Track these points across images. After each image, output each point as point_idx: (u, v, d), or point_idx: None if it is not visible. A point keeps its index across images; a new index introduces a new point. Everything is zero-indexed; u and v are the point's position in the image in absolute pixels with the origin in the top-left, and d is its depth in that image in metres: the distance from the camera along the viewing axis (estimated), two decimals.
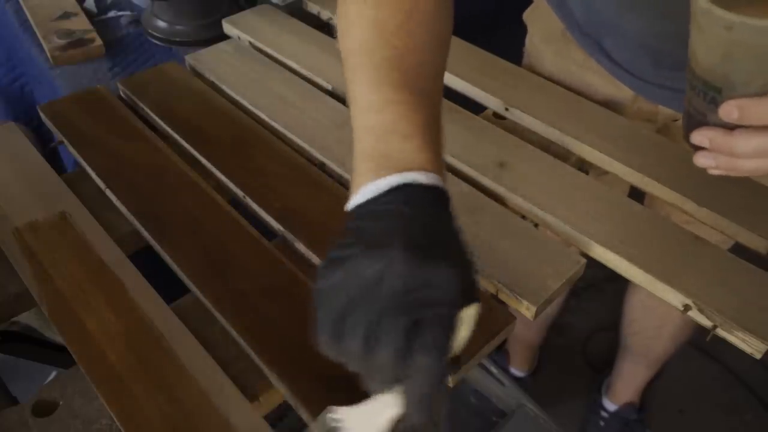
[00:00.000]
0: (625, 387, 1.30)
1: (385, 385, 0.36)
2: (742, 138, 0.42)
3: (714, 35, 0.42)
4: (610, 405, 1.33)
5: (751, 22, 0.40)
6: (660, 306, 1.06)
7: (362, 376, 0.37)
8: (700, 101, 0.45)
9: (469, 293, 0.35)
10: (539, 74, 0.81)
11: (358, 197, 0.40)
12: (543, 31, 0.81)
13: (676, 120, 0.77)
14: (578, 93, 0.76)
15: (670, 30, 0.48)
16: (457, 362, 0.37)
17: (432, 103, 0.44)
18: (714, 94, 0.44)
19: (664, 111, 0.75)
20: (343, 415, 0.39)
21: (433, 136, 0.41)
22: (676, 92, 0.68)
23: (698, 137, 0.45)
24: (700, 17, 0.43)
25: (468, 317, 0.35)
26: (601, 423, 1.33)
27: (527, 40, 0.85)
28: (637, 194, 0.67)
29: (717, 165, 0.45)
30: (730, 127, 0.43)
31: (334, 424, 0.39)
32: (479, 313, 0.35)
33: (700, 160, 0.46)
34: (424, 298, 0.34)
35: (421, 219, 0.37)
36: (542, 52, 0.81)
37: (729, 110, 0.42)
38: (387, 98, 0.42)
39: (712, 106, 0.43)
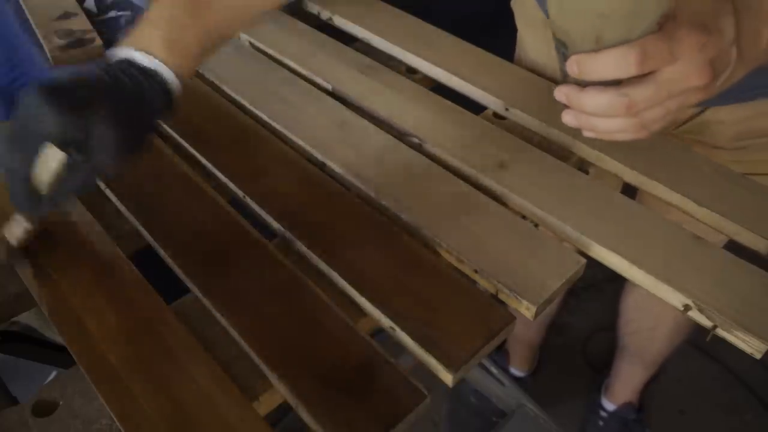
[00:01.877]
0: (623, 387, 1.31)
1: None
2: (590, 95, 0.43)
3: None
4: (609, 405, 1.33)
5: None
6: (654, 307, 1.06)
7: None
8: (560, 58, 0.45)
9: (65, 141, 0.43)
10: (525, 62, 0.81)
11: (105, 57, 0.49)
12: (525, 18, 0.82)
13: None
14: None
15: None
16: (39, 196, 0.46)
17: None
18: (564, 50, 0.44)
19: None
20: None
21: (184, 42, 0.50)
22: None
23: (558, 93, 0.46)
24: None
25: (52, 155, 0.44)
26: (600, 423, 1.33)
27: (518, 36, 0.87)
28: (630, 191, 0.67)
29: (579, 124, 0.47)
30: (584, 85, 0.44)
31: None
32: (63, 164, 0.44)
33: (565, 117, 0.47)
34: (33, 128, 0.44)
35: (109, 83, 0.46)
36: (524, 38, 0.82)
37: (570, 65, 0.43)
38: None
39: (564, 63, 0.44)
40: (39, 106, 0.43)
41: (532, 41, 0.80)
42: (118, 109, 0.45)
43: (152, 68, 0.48)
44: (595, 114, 0.45)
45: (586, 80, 0.43)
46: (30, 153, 0.45)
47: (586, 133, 0.48)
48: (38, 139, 0.44)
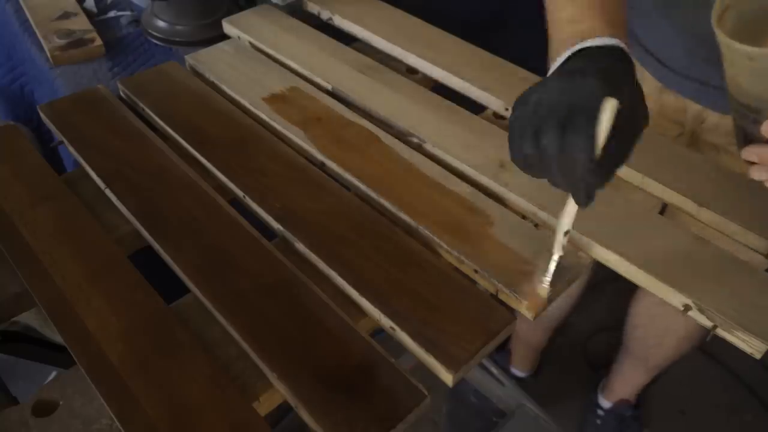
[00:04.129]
0: (621, 386, 1.31)
1: (557, 182, 0.46)
2: None
3: (740, 65, 0.46)
4: (606, 403, 1.33)
5: None
6: (665, 315, 1.06)
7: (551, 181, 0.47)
8: (745, 122, 0.49)
9: (612, 91, 0.43)
10: None
11: (555, 63, 0.50)
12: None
13: (704, 122, 0.77)
14: None
15: (709, 20, 0.49)
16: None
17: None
18: (754, 115, 0.48)
19: (692, 108, 0.75)
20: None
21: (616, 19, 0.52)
22: (705, 86, 0.68)
23: (748, 154, 0.50)
24: (724, 49, 0.46)
25: (607, 109, 0.42)
26: (598, 421, 1.34)
27: None
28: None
29: None
30: None
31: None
32: (617, 108, 0.42)
33: (755, 173, 0.51)
34: (573, 101, 0.44)
35: (596, 61, 0.47)
36: None
37: (767, 129, 0.46)
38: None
39: (756, 126, 0.48)
40: (580, 79, 0.44)
41: None
42: (629, 71, 0.49)
43: (614, 44, 0.49)
44: None
45: None
46: (584, 126, 0.43)
47: None
48: (589, 105, 0.43)
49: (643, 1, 0.67)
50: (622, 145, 0.45)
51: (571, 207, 0.49)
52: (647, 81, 0.74)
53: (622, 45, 0.49)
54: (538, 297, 0.54)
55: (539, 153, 0.45)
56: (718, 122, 0.76)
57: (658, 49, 0.70)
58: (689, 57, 0.67)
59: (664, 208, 0.65)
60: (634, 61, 0.71)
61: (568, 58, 0.49)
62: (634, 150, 0.46)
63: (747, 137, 0.51)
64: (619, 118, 0.42)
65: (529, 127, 0.45)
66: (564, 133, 0.43)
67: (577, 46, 0.49)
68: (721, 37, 0.46)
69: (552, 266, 0.53)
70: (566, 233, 0.51)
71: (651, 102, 0.76)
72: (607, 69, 0.46)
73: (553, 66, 0.50)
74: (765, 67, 0.45)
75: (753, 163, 0.50)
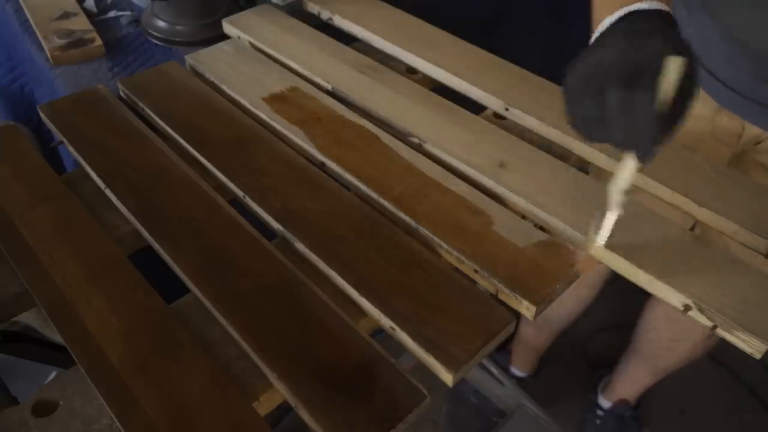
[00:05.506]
0: (624, 386, 1.31)
1: (619, 139, 0.47)
2: None
3: None
4: (606, 403, 1.33)
5: None
6: (683, 320, 1.05)
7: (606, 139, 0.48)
8: None
9: (677, 50, 0.45)
10: None
11: (599, 27, 0.51)
12: None
13: (759, 143, 0.76)
14: None
15: None
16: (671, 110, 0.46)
17: None
18: None
19: (750, 130, 0.74)
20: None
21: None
22: (766, 107, 0.67)
23: None
24: None
25: (675, 66, 0.44)
26: (597, 422, 1.34)
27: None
28: None
29: None
30: None
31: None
32: (685, 66, 0.44)
33: None
34: (639, 59, 0.45)
35: (653, 22, 0.48)
36: None
37: None
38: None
39: None
40: (642, 38, 0.46)
41: None
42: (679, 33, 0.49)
43: (662, 8, 0.50)
44: None
45: None
46: (649, 86, 0.44)
47: None
48: (655, 63, 0.44)
49: (704, 25, 0.66)
50: (684, 102, 0.46)
51: (631, 165, 0.49)
52: (705, 101, 0.73)
53: (669, 9, 0.50)
54: (589, 256, 0.54)
55: (602, 113, 0.45)
56: None
57: (719, 69, 0.69)
58: (752, 78, 0.66)
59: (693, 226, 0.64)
60: None
61: (617, 21, 0.49)
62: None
63: None
64: (683, 76, 0.43)
65: (592, 86, 0.46)
66: (631, 90, 0.44)
67: (626, 9, 0.49)
68: None
69: (608, 223, 0.53)
70: (626, 192, 0.51)
71: (703, 122, 0.75)
72: (666, 29, 0.48)
73: (599, 29, 0.51)
74: None
75: None
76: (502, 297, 0.55)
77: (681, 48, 0.45)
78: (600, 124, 0.46)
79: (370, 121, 0.72)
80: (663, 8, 0.50)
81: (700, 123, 0.76)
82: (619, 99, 0.44)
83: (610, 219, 0.53)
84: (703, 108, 0.74)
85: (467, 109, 0.74)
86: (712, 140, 0.77)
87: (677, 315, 1.06)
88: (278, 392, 0.50)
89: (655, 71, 0.44)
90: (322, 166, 0.68)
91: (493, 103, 0.75)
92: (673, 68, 0.44)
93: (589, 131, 0.48)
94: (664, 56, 0.43)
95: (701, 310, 0.52)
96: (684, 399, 1.40)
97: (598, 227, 0.54)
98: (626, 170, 0.50)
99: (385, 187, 0.64)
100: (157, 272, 0.58)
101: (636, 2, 0.50)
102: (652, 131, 0.45)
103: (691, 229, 0.62)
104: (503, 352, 1.42)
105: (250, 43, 0.86)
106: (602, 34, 0.50)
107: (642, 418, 1.34)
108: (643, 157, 0.47)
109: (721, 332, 0.52)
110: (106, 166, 0.67)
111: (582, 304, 1.21)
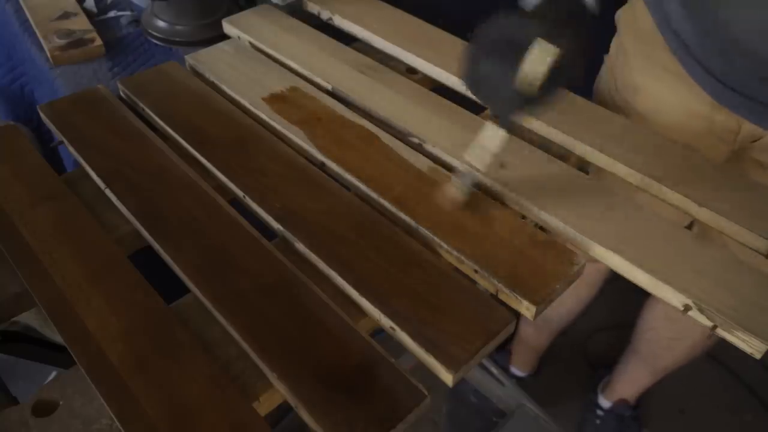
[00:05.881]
0: (623, 386, 1.31)
1: (487, 105, 0.60)
2: None
3: None
4: (605, 402, 1.33)
5: None
6: (682, 319, 1.05)
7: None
8: None
9: (553, 40, 0.50)
10: (621, 81, 0.82)
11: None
12: (635, 31, 0.80)
13: (756, 141, 0.76)
14: (655, 101, 0.78)
15: None
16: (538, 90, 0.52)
17: None
18: None
19: (747, 127, 0.74)
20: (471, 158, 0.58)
21: None
22: (764, 106, 0.67)
23: None
24: None
25: (540, 52, 0.50)
26: (597, 421, 1.34)
27: (613, 43, 0.85)
28: None
29: None
30: None
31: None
32: (554, 55, 0.50)
33: None
34: (516, 39, 0.51)
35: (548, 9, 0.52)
36: (630, 54, 0.80)
37: None
38: None
39: None
40: (526, 22, 0.51)
41: (641, 59, 0.79)
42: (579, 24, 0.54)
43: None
44: None
45: None
46: (518, 56, 0.51)
47: None
48: (528, 39, 0.50)
49: (700, 21, 0.66)
50: (548, 89, 0.52)
51: (497, 130, 0.57)
52: (701, 97, 0.73)
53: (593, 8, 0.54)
54: (447, 196, 0.61)
55: (479, 77, 0.54)
56: None
57: (715, 66, 0.69)
58: (748, 76, 0.66)
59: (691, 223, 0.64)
60: (689, 75, 0.71)
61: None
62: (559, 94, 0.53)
63: None
64: (552, 65, 0.49)
65: (478, 52, 0.54)
66: (496, 64, 0.52)
67: None
68: None
69: (465, 168, 0.59)
70: (489, 154, 0.58)
71: (701, 119, 0.76)
72: (561, 21, 0.52)
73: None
74: None
75: None
76: (502, 297, 0.55)
77: (559, 40, 0.50)
78: (476, 87, 0.55)
79: (370, 121, 0.72)
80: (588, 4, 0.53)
81: (697, 120, 0.76)
82: (486, 69, 0.53)
83: (468, 166, 0.59)
84: (700, 105, 0.74)
85: (467, 109, 0.74)
86: (711, 137, 0.77)
87: (676, 314, 1.06)
88: (278, 392, 0.50)
89: (522, 52, 0.50)
90: (322, 166, 0.68)
91: None
92: (538, 54, 0.49)
93: (472, 91, 0.58)
94: (535, 40, 0.49)
95: (701, 310, 0.53)
96: (684, 399, 1.40)
97: (462, 177, 0.60)
98: (490, 130, 0.57)
99: (385, 187, 0.64)
100: (157, 272, 0.58)
101: None
102: (508, 104, 0.53)
103: (689, 227, 0.62)
104: (503, 352, 1.42)
105: (250, 43, 0.86)
106: (521, 9, 0.54)
107: (642, 417, 1.34)
108: (503, 125, 0.55)
109: (721, 332, 0.52)
110: (106, 166, 0.67)
111: (581, 304, 1.21)
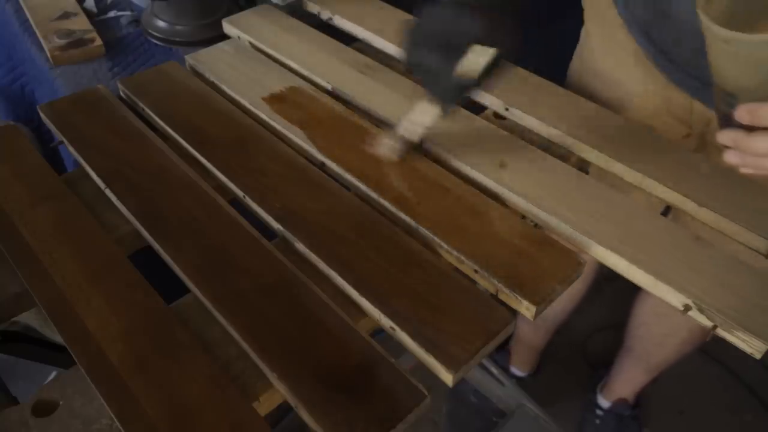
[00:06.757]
0: (621, 386, 1.31)
1: (429, 89, 0.62)
2: (760, 138, 0.47)
3: (718, 48, 0.45)
4: (605, 402, 1.34)
5: (743, 37, 0.43)
6: (671, 315, 1.06)
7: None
8: (724, 106, 0.49)
9: (486, 39, 0.54)
10: (588, 63, 0.83)
11: None
12: (596, 13, 0.83)
13: (709, 124, 0.77)
14: (617, 84, 0.80)
15: None
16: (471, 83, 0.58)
17: None
18: (731, 99, 0.48)
19: (698, 108, 0.76)
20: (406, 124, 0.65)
21: None
22: (708, 86, 0.69)
23: (723, 138, 0.51)
24: (705, 32, 0.45)
25: (480, 51, 0.55)
26: (597, 421, 1.34)
27: (583, 29, 0.88)
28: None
29: (744, 163, 0.51)
30: (751, 129, 0.48)
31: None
32: (492, 56, 0.55)
33: (729, 157, 0.51)
34: (459, 36, 0.55)
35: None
36: (593, 36, 0.83)
37: (741, 114, 0.47)
38: None
39: (732, 110, 0.48)
40: (463, 18, 0.54)
41: (602, 40, 0.82)
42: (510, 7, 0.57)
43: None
44: (765, 155, 0.49)
45: (754, 125, 0.48)
46: (457, 54, 0.55)
47: (744, 170, 0.52)
48: (465, 41, 0.54)
49: (651, 3, 0.68)
50: (481, 80, 0.57)
51: (433, 109, 0.63)
52: (655, 77, 0.74)
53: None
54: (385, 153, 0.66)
55: (423, 64, 0.58)
56: None
57: (667, 46, 0.71)
58: (695, 56, 0.68)
59: (667, 210, 0.65)
60: (644, 51, 0.72)
61: None
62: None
63: (725, 121, 0.51)
64: (488, 62, 0.54)
65: (414, 41, 0.57)
66: (442, 58, 0.56)
67: None
68: (702, 18, 0.46)
69: (398, 132, 0.65)
70: (420, 127, 0.64)
71: (657, 97, 0.77)
72: (501, 20, 0.55)
73: None
74: (739, 52, 0.45)
75: (729, 148, 0.51)
76: (502, 297, 0.55)
77: (495, 35, 0.54)
78: (416, 69, 0.59)
79: (370, 121, 0.72)
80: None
81: (652, 98, 0.79)
82: (426, 58, 0.57)
83: (399, 134, 0.65)
84: (653, 84, 0.77)
85: (467, 109, 0.74)
86: (667, 115, 0.79)
87: (665, 309, 1.08)
88: (278, 392, 0.50)
89: (464, 49, 0.54)
90: (322, 166, 0.68)
91: (493, 103, 0.75)
92: (475, 55, 0.55)
93: (415, 73, 0.63)
94: (477, 41, 0.53)
95: (701, 310, 0.53)
96: (683, 399, 1.40)
97: (399, 141, 0.65)
98: (425, 106, 0.63)
99: (385, 187, 0.64)
100: (157, 272, 0.58)
101: None
102: (447, 92, 0.59)
103: (664, 214, 0.64)
104: (503, 352, 1.42)
105: (250, 43, 0.86)
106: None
107: (641, 417, 1.34)
108: (443, 110, 0.61)
109: (721, 332, 0.52)
110: (106, 166, 0.67)
111: (575, 299, 1.21)
